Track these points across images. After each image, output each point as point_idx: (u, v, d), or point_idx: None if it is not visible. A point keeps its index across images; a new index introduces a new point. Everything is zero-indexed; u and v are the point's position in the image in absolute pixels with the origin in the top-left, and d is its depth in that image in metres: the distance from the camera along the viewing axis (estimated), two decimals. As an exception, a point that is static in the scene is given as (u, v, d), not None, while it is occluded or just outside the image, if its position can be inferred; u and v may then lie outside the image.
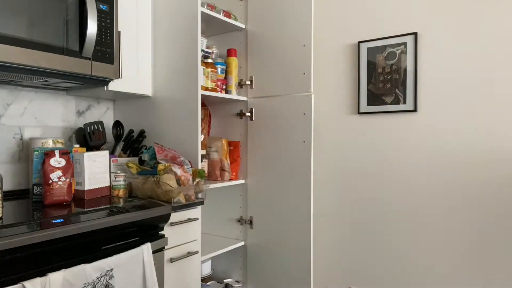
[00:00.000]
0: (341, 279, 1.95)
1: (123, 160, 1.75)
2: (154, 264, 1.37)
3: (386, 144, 1.81)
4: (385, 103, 1.80)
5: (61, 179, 1.43)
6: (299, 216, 2.02)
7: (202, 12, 1.86)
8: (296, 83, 2.03)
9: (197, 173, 1.71)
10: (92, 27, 1.45)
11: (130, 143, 1.89)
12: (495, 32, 1.57)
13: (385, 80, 1.79)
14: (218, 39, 2.33)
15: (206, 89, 2.01)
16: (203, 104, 2.26)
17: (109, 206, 1.46)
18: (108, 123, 2.02)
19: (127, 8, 1.78)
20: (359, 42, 1.86)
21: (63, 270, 1.09)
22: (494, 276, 1.57)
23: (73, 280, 1.10)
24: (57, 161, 1.44)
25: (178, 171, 1.60)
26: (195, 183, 1.68)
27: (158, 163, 1.64)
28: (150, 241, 1.38)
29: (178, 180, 1.59)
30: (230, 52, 2.20)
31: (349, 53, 1.91)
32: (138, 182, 1.64)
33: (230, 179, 2.19)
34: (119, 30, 1.64)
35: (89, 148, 1.70)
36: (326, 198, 1.98)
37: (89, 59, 1.50)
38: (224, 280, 2.26)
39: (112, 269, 1.22)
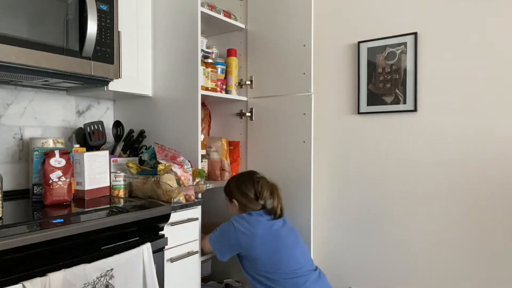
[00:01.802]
0: (341, 279, 1.95)
1: (123, 160, 1.75)
2: (154, 264, 1.37)
3: (386, 144, 1.81)
4: (385, 103, 1.80)
5: (61, 179, 1.43)
6: (299, 216, 2.02)
7: (202, 12, 1.86)
8: (296, 83, 2.03)
9: (197, 173, 1.71)
10: (92, 27, 1.45)
11: (130, 143, 1.89)
12: (495, 32, 1.57)
13: (385, 80, 1.79)
14: (218, 39, 2.33)
15: (206, 89, 2.01)
16: (203, 104, 2.26)
17: (109, 206, 1.46)
18: (108, 123, 2.02)
19: (127, 8, 1.78)
20: (359, 42, 1.86)
21: (63, 270, 1.09)
22: (496, 275, 1.57)
23: (73, 280, 1.10)
24: (57, 161, 1.44)
25: (178, 171, 1.60)
26: (195, 183, 1.68)
27: (158, 163, 1.64)
28: (150, 241, 1.38)
29: (178, 180, 1.59)
30: (230, 52, 2.19)
31: (349, 53, 1.91)
32: (138, 182, 1.64)
33: (230, 179, 2.19)
34: (119, 30, 1.64)
35: (89, 148, 1.69)
36: (326, 198, 1.98)
37: (89, 59, 1.50)
38: (224, 280, 2.26)
39: (112, 269, 1.22)
